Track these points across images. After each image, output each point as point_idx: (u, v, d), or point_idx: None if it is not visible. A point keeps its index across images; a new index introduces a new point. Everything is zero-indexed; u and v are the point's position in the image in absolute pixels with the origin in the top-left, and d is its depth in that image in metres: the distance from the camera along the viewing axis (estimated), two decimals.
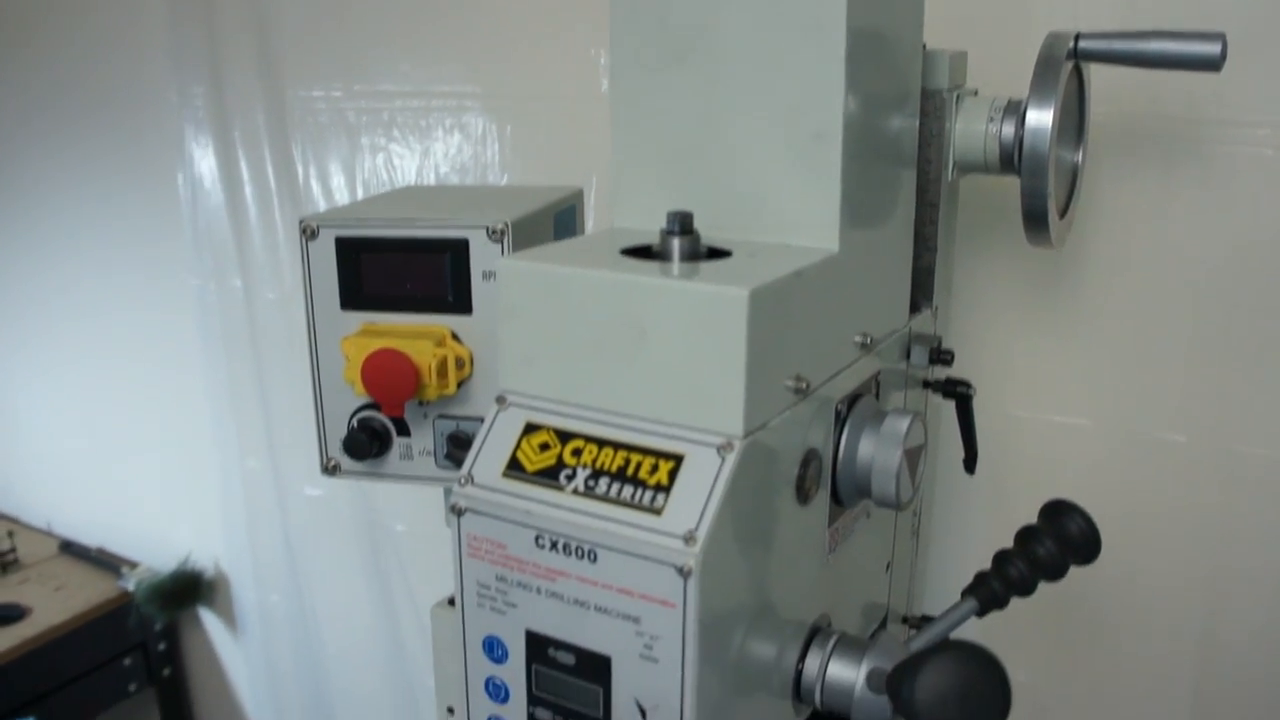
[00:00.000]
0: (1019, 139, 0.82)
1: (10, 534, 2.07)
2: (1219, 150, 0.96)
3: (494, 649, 0.66)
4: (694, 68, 0.70)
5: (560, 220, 0.88)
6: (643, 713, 0.61)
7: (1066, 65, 0.81)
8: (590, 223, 1.06)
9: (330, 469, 0.86)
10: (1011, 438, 1.08)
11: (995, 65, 0.88)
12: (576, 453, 0.63)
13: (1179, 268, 0.99)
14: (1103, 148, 0.97)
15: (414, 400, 0.81)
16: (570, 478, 0.62)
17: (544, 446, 0.64)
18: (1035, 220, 0.83)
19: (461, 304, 0.81)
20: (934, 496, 1.07)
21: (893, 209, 0.80)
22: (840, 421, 0.72)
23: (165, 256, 1.73)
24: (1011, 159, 0.84)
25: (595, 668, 0.62)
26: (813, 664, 0.71)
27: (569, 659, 0.63)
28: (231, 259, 1.59)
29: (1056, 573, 0.76)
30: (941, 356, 0.88)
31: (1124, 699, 1.10)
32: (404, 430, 0.84)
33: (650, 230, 0.69)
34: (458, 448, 0.83)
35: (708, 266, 0.65)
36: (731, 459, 0.59)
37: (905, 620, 0.99)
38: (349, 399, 0.84)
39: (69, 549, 2.08)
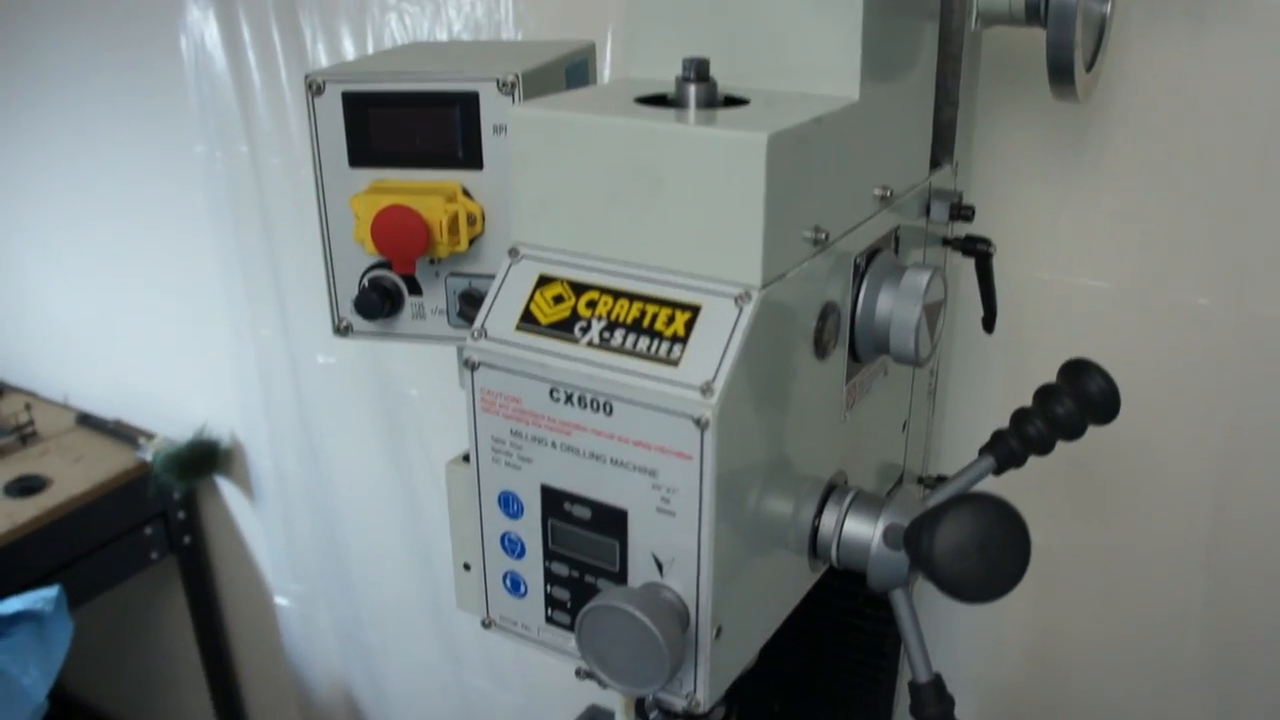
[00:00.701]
0: None
1: (28, 406, 2.09)
2: None
3: (509, 504, 0.66)
4: None
5: (572, 74, 0.86)
6: (659, 566, 0.62)
7: None
8: (604, 79, 1.03)
9: (342, 329, 0.86)
10: (1031, 299, 1.06)
11: None
12: (591, 304, 0.62)
13: (1209, 125, 0.96)
14: None
15: (425, 258, 0.79)
16: (585, 330, 0.61)
17: (558, 299, 0.63)
18: (1060, 73, 0.81)
19: (472, 159, 0.79)
20: (951, 357, 1.06)
21: (914, 60, 0.78)
22: (859, 275, 0.71)
23: (171, 125, 1.70)
24: (1037, 9, 0.81)
25: (612, 521, 0.62)
26: (829, 520, 0.71)
27: (585, 513, 0.63)
28: (237, 125, 1.56)
29: (1075, 432, 0.75)
30: (962, 212, 0.87)
31: (1137, 560, 1.11)
32: (416, 289, 0.83)
33: (665, 80, 0.67)
34: (470, 305, 0.82)
35: (725, 113, 0.63)
36: (749, 310, 0.58)
37: (921, 480, 0.99)
38: (360, 258, 0.83)
39: (86, 421, 2.10)
